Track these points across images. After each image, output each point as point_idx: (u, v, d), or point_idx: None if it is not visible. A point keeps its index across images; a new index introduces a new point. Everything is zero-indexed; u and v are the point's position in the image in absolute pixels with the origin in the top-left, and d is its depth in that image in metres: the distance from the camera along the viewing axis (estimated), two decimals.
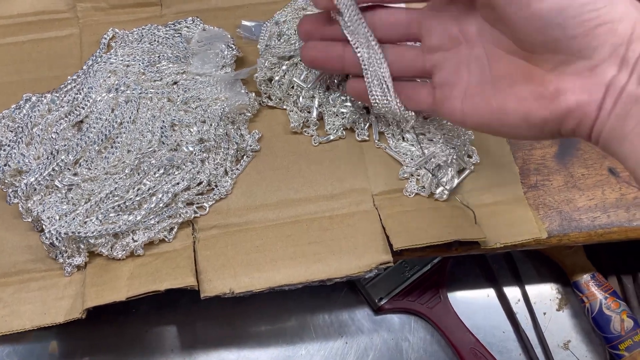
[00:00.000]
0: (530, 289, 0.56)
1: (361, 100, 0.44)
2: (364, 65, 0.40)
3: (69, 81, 0.45)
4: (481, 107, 0.35)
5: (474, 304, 0.55)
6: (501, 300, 0.56)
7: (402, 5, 0.39)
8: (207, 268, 0.41)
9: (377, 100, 0.41)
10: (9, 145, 0.41)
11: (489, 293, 0.56)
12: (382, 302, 0.53)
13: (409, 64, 0.39)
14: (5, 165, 0.40)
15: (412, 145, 0.45)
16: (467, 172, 0.45)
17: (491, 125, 0.35)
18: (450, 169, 0.43)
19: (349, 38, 0.39)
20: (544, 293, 0.56)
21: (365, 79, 0.40)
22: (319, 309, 0.55)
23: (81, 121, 0.43)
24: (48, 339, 0.56)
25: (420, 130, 0.45)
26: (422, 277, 0.54)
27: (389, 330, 0.54)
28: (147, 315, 0.54)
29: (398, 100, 0.40)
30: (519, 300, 0.56)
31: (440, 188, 0.43)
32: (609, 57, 0.29)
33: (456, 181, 0.44)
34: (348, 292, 0.56)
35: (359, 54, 0.40)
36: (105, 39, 0.48)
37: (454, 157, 0.43)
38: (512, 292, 0.56)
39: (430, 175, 0.43)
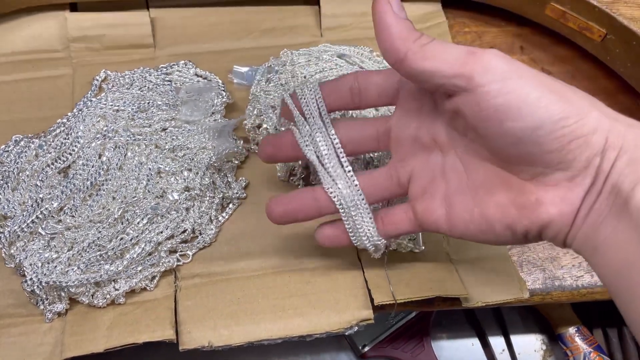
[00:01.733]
0: (515, 339, 0.56)
1: (335, 245, 0.39)
2: (341, 204, 0.36)
3: (58, 124, 0.45)
4: (465, 217, 0.33)
5: (458, 352, 0.55)
6: (485, 350, 0.56)
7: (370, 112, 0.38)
8: (187, 319, 0.41)
9: (361, 241, 0.37)
10: None
11: (474, 342, 0.56)
12: (365, 349, 0.53)
13: (383, 187, 0.37)
14: None
15: None
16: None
17: (477, 235, 0.33)
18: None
19: (321, 177, 0.36)
20: (528, 343, 0.56)
21: (344, 219, 0.37)
22: (302, 352, 0.55)
23: (68, 167, 0.43)
24: None
25: None
26: (407, 325, 0.54)
27: None
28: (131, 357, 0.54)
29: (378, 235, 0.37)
30: (503, 350, 0.56)
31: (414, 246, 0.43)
32: (584, 168, 0.29)
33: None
34: (333, 337, 0.55)
35: (332, 194, 0.36)
36: (97, 80, 0.49)
37: None
38: (497, 341, 0.56)
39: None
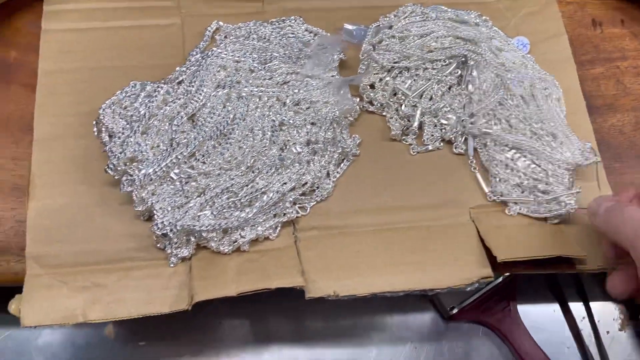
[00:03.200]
0: (595, 307, 0.57)
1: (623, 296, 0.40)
2: None
3: (178, 72, 0.45)
4: None
5: (540, 318, 0.56)
6: (566, 316, 0.57)
7: None
8: (310, 269, 0.42)
9: None
10: (122, 133, 0.41)
11: (555, 308, 0.57)
12: (453, 311, 0.54)
13: None
14: (121, 152, 0.41)
15: (508, 166, 0.45)
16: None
17: None
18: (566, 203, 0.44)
19: None
20: (607, 312, 0.57)
21: None
22: (389, 311, 0.55)
23: (193, 114, 0.43)
24: (104, 323, 0.56)
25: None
26: (494, 290, 0.55)
27: (458, 340, 0.55)
28: (219, 306, 0.55)
29: None
30: (583, 317, 0.57)
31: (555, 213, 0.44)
32: None
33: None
34: (418, 297, 0.56)
35: None
36: (209, 31, 0.48)
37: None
38: (577, 309, 0.57)
39: (541, 202, 0.44)
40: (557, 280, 0.57)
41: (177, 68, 0.45)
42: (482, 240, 0.43)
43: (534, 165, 0.45)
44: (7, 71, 0.48)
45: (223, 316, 0.54)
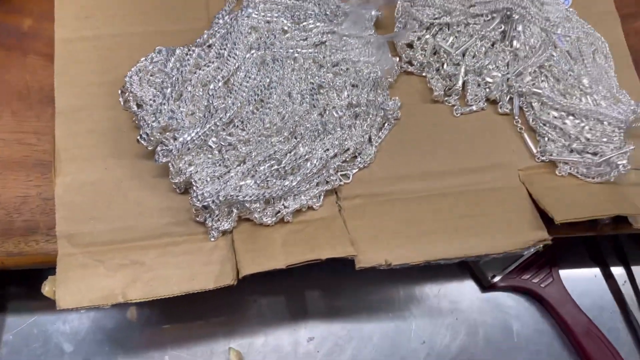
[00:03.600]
0: (636, 270, 0.56)
1: None
2: None
3: (207, 35, 0.42)
4: None
5: (582, 283, 0.55)
6: (608, 281, 0.55)
7: None
8: (358, 238, 0.40)
9: None
10: (154, 101, 0.39)
11: (596, 273, 0.56)
12: (495, 279, 0.52)
13: None
14: (154, 121, 0.38)
15: (557, 126, 0.43)
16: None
17: None
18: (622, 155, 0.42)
19: None
20: None
21: None
22: (427, 282, 0.54)
23: (227, 79, 0.40)
24: (126, 305, 0.54)
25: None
26: (534, 256, 0.53)
27: (498, 309, 0.53)
28: (250, 284, 0.53)
29: None
30: (625, 281, 0.55)
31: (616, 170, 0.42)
32: None
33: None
34: (456, 267, 0.54)
35: None
36: None
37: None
38: (618, 273, 0.56)
39: (591, 163, 0.42)
40: (597, 244, 0.56)
41: (205, 32, 0.43)
42: (534, 202, 0.41)
43: (583, 124, 0.43)
44: (21, 40, 0.45)
45: (256, 294, 0.52)
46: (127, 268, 0.38)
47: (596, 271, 0.56)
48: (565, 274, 0.55)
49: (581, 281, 0.55)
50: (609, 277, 0.55)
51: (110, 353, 0.50)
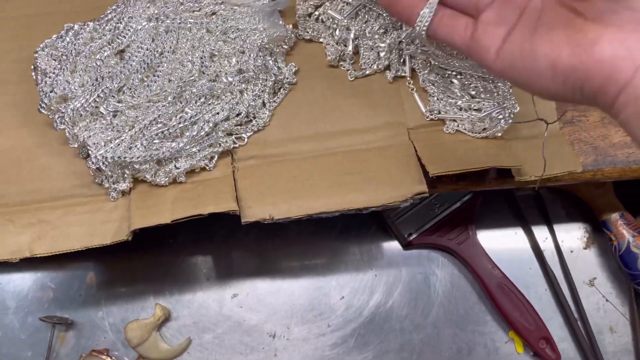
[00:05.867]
0: (558, 228, 0.57)
1: (391, 5, 0.37)
2: None
3: (109, 11, 0.45)
4: (514, 51, 0.32)
5: (501, 241, 0.56)
6: (529, 238, 0.57)
7: None
8: (246, 196, 0.42)
9: (421, 20, 0.36)
10: (53, 73, 0.42)
11: (517, 231, 0.57)
12: (411, 237, 0.54)
13: None
14: (51, 91, 0.41)
15: (445, 85, 0.45)
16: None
17: (517, 70, 0.32)
18: (500, 115, 0.43)
19: None
20: (571, 232, 0.57)
21: None
22: (349, 245, 0.56)
23: (122, 50, 0.43)
24: (86, 270, 0.58)
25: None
26: (452, 214, 0.55)
27: (417, 265, 0.55)
28: (184, 246, 0.56)
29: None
30: (546, 238, 0.57)
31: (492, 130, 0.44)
32: None
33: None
34: (377, 228, 0.57)
35: None
36: None
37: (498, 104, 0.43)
38: (540, 231, 0.57)
39: (474, 119, 0.43)
40: (518, 203, 0.57)
41: (108, 7, 0.46)
42: (419, 159, 0.43)
43: (468, 82, 0.44)
44: None
45: (185, 254, 0.56)
46: (34, 226, 0.42)
47: (517, 229, 0.57)
48: (486, 233, 0.57)
49: (502, 239, 0.57)
50: (529, 235, 0.56)
51: (49, 310, 0.54)
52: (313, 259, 0.56)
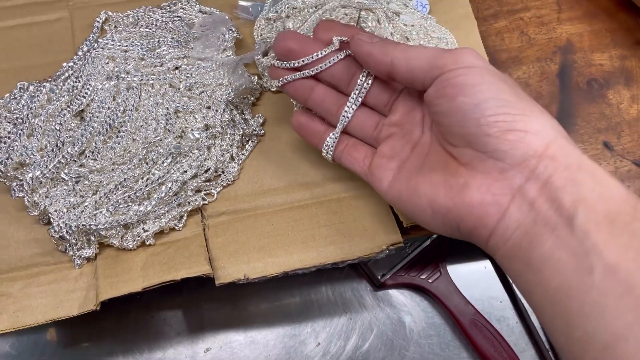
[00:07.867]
0: None
1: (304, 133, 0.41)
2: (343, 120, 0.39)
3: (65, 68, 0.44)
4: (401, 186, 0.35)
5: (471, 276, 0.57)
6: (497, 272, 0.58)
7: None
8: (219, 255, 0.41)
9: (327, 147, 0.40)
10: (9, 138, 0.40)
11: (486, 265, 0.58)
12: (384, 278, 0.54)
13: (367, 127, 0.39)
14: (7, 158, 0.39)
15: None
16: None
17: (403, 202, 0.35)
18: None
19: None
20: None
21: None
22: (321, 287, 0.56)
23: (82, 110, 0.42)
24: (46, 326, 0.55)
25: None
26: (422, 253, 0.55)
27: (391, 305, 0.55)
28: (152, 300, 0.54)
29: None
30: None
31: None
32: (518, 165, 0.29)
33: None
34: (349, 269, 0.56)
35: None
36: (98, 22, 0.47)
37: None
38: None
39: None
40: None
41: (64, 64, 0.44)
42: (391, 208, 0.43)
43: None
44: None
45: (153, 310, 0.54)
46: None
47: (486, 263, 0.58)
48: (456, 268, 0.57)
49: (471, 274, 0.57)
50: (498, 268, 0.57)
51: None
52: (286, 304, 0.55)
